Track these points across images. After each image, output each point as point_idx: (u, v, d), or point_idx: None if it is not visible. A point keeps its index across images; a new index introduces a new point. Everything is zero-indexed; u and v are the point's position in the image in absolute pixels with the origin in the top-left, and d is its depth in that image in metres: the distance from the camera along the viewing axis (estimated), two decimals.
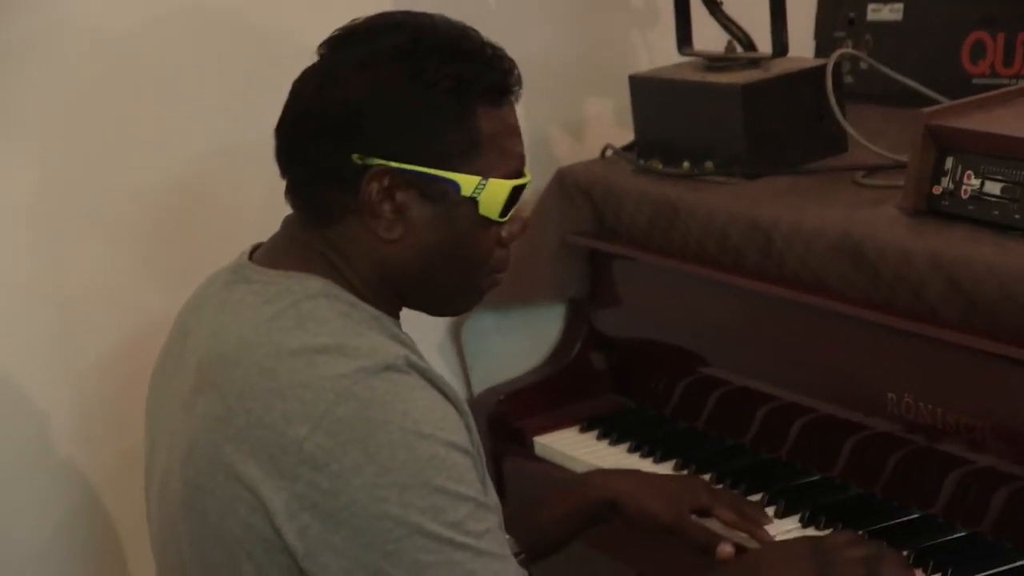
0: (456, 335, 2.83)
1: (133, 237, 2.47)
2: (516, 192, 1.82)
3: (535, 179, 2.81)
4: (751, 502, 2.24)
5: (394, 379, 1.67)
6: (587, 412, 2.67)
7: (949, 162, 2.21)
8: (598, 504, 2.16)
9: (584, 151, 2.87)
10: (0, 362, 2.38)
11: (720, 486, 2.33)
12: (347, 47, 1.79)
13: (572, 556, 2.26)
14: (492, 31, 2.79)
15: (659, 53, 2.84)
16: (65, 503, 2.45)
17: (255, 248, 1.87)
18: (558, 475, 2.54)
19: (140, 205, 2.47)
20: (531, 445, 2.65)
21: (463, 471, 1.67)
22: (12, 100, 2.36)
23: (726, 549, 2.11)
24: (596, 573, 2.90)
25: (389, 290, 1.81)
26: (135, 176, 2.46)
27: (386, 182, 1.75)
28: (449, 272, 1.82)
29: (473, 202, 1.78)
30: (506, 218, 1.82)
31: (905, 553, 2.07)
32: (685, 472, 2.41)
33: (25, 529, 2.41)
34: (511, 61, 1.83)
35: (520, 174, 1.83)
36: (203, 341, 1.78)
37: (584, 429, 2.62)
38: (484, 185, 1.78)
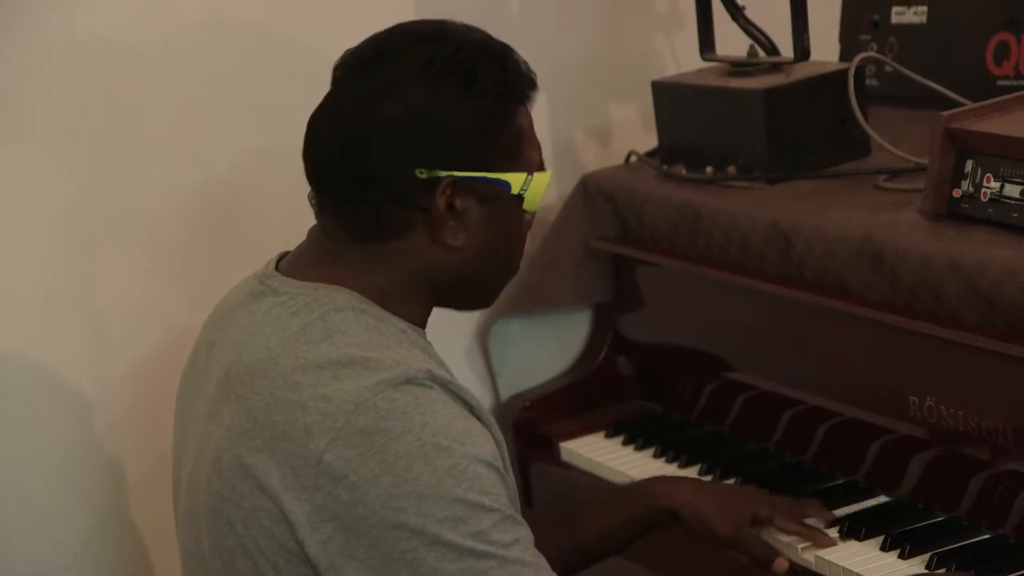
0: (482, 341, 2.84)
1: (164, 247, 2.50)
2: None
3: (561, 185, 2.85)
4: (810, 503, 2.24)
5: (415, 392, 1.69)
6: (613, 417, 2.68)
7: (969, 165, 2.21)
8: (656, 512, 2.17)
9: (610, 157, 2.88)
10: (36, 370, 2.42)
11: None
12: (387, 62, 1.79)
13: (600, 565, 2.27)
14: (516, 37, 2.80)
15: (685, 58, 2.85)
16: (99, 509, 2.48)
17: (281, 257, 1.88)
18: (584, 480, 2.56)
19: (171, 215, 2.50)
20: (557, 451, 2.66)
21: (486, 483, 1.68)
22: (45, 114, 2.39)
23: (783, 564, 2.13)
24: None
25: (427, 295, 1.83)
26: (166, 187, 2.49)
27: (449, 192, 1.78)
28: (498, 268, 1.88)
29: (519, 199, 1.83)
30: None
31: (929, 555, 2.08)
32: (711, 477, 2.42)
33: (62, 532, 2.44)
34: (527, 62, 1.88)
35: (544, 165, 1.89)
36: (230, 351, 1.80)
37: (610, 434, 2.63)
38: (530, 180, 1.83)
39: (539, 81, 2.81)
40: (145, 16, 2.45)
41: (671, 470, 2.47)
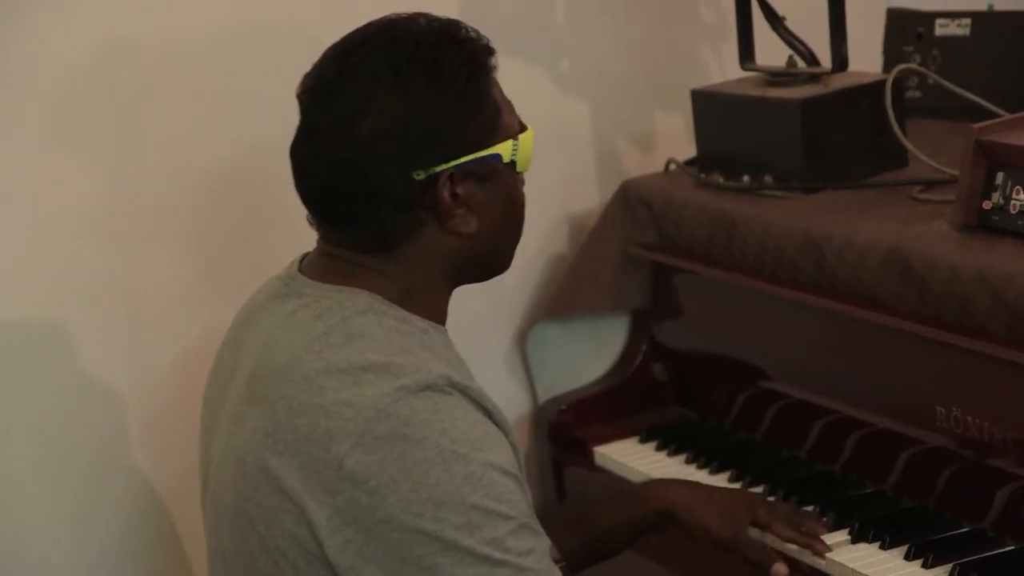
0: (521, 345, 2.87)
1: (202, 245, 2.54)
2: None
3: (603, 192, 2.88)
4: (808, 513, 2.26)
5: (435, 399, 1.71)
6: (647, 423, 2.70)
7: (999, 177, 2.22)
8: (655, 514, 2.19)
9: (654, 164, 2.90)
10: (74, 368, 2.46)
11: (773, 497, 2.35)
12: (352, 77, 1.79)
13: (622, 563, 2.28)
14: (562, 46, 2.87)
15: (731, 67, 2.86)
16: (135, 506, 2.52)
17: (303, 257, 1.91)
18: (618, 485, 2.58)
19: (208, 213, 2.54)
20: (592, 455, 2.68)
21: (503, 491, 1.70)
22: (81, 115, 2.43)
23: (781, 569, 2.14)
24: None
25: (449, 282, 1.87)
26: (204, 185, 2.53)
27: (449, 183, 1.80)
28: (509, 237, 1.91)
29: (512, 164, 1.86)
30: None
31: (952, 565, 2.09)
32: (740, 483, 2.44)
33: (97, 529, 2.49)
34: (477, 31, 1.88)
35: (523, 123, 1.90)
36: (255, 353, 1.83)
37: (643, 440, 2.66)
38: (517, 144, 1.86)
39: (584, 88, 2.90)
40: (173, 18, 2.49)
41: (702, 476, 2.49)
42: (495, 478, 1.69)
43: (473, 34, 1.86)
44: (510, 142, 1.85)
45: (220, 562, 1.84)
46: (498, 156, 1.84)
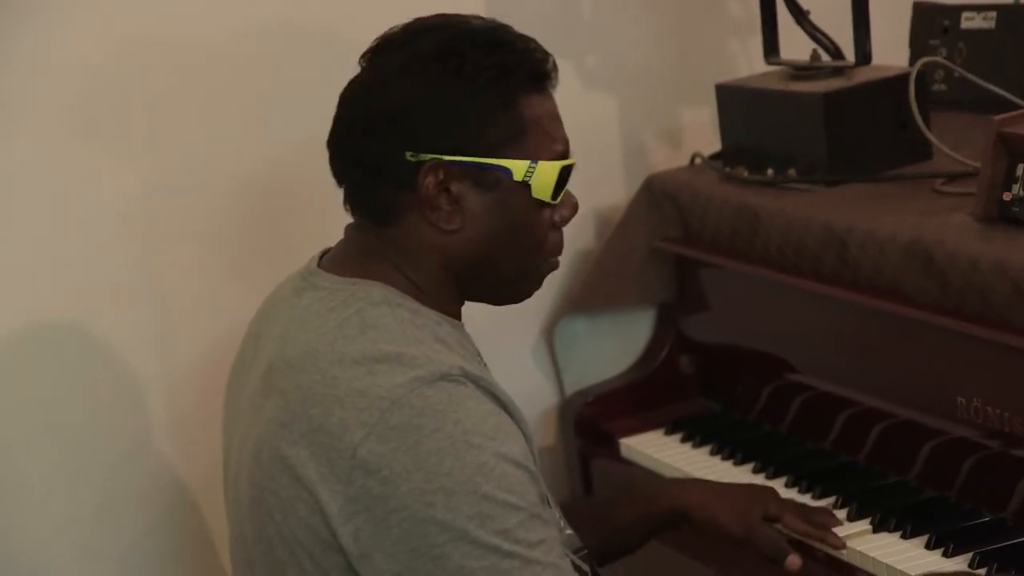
0: (548, 339, 2.89)
1: (229, 240, 2.57)
2: (565, 173, 1.87)
3: (630, 186, 2.89)
4: (821, 509, 2.27)
5: (448, 389, 1.72)
6: (673, 415, 2.71)
7: (1020, 169, 2.22)
8: (668, 513, 2.20)
9: (681, 158, 2.91)
10: (103, 361, 2.49)
11: (796, 488, 2.36)
12: (388, 53, 1.86)
13: (652, 557, 2.30)
14: (588, 41, 2.88)
15: (758, 61, 2.87)
16: (163, 498, 2.55)
17: (324, 253, 1.94)
18: (643, 476, 2.60)
19: (236, 209, 2.57)
20: (617, 447, 2.70)
21: (514, 482, 1.71)
22: (112, 112, 2.46)
23: (795, 561, 2.15)
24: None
25: (451, 283, 1.87)
26: (231, 181, 2.56)
27: (441, 175, 1.81)
28: (508, 258, 1.88)
29: (526, 186, 1.85)
30: (558, 200, 1.88)
31: (972, 554, 2.10)
32: (764, 475, 2.45)
33: (126, 520, 2.52)
34: (545, 51, 1.89)
35: (566, 156, 1.88)
36: (272, 346, 1.86)
37: (669, 432, 2.67)
38: (534, 168, 1.84)
39: (610, 83, 2.91)
40: (210, 16, 2.52)
41: (726, 467, 2.51)
42: (507, 469, 1.70)
43: (531, 53, 1.86)
44: (526, 163, 1.83)
45: (240, 551, 1.87)
46: (507, 171, 1.83)
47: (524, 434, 1.79)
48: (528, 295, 1.96)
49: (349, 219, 2.00)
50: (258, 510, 1.80)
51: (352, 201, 1.89)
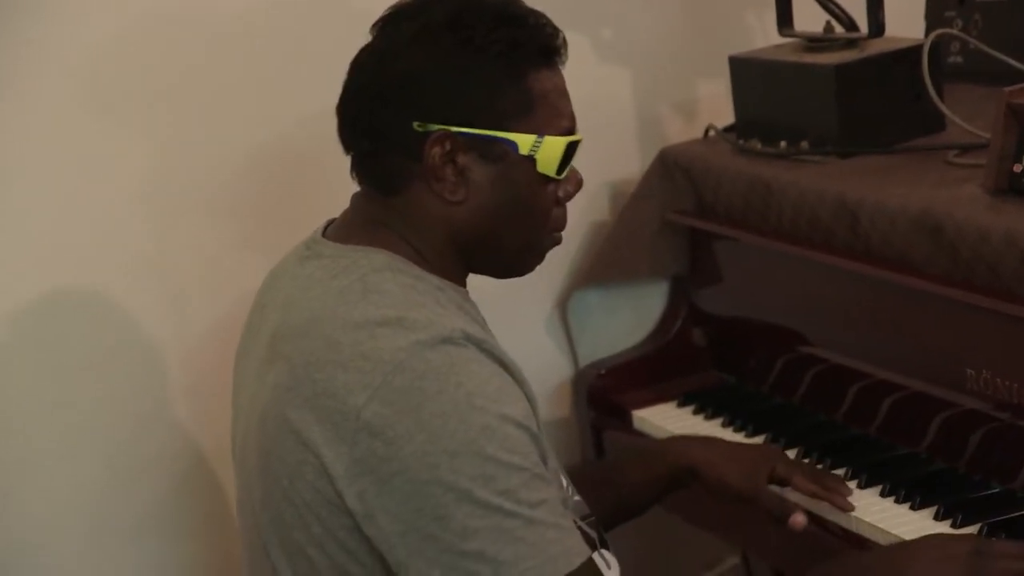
0: (562, 311, 2.89)
1: (242, 211, 2.58)
2: (571, 149, 1.89)
3: (646, 158, 2.89)
4: (830, 474, 2.28)
5: (450, 352, 1.73)
6: (686, 387, 2.72)
7: None
8: (677, 471, 2.22)
9: (695, 131, 2.91)
10: (117, 333, 2.51)
11: (807, 460, 2.37)
12: (399, 23, 1.87)
13: (676, 532, 2.30)
14: (603, 12, 2.88)
15: (773, 33, 2.86)
16: (176, 468, 2.57)
17: (329, 223, 1.95)
18: (650, 442, 2.60)
19: (248, 181, 2.58)
20: (630, 419, 2.71)
21: (516, 442, 1.72)
22: (125, 87, 2.47)
23: (799, 519, 2.16)
24: (702, 551, 2.96)
25: (455, 254, 1.88)
26: (243, 153, 2.57)
27: (447, 146, 1.83)
28: (512, 231, 1.89)
29: (531, 160, 1.86)
30: (563, 176, 1.89)
31: (981, 525, 2.11)
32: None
33: (142, 489, 2.54)
34: (555, 27, 1.90)
35: (572, 132, 1.89)
36: (277, 314, 1.87)
37: (681, 404, 2.68)
38: (540, 143, 1.85)
39: (625, 56, 2.90)
40: None
41: (738, 439, 2.51)
42: (509, 430, 1.72)
43: (542, 28, 1.87)
44: (532, 137, 1.84)
45: (248, 517, 1.88)
46: (513, 144, 1.84)
47: (527, 396, 1.80)
48: (530, 269, 1.97)
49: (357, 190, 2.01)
50: (265, 475, 1.81)
51: (359, 169, 1.90)
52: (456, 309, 1.84)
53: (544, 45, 1.87)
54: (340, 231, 1.91)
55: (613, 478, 2.21)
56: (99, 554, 2.52)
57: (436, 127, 1.82)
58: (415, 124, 1.83)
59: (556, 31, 1.89)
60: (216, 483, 2.59)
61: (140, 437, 2.53)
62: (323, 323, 1.79)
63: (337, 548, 1.76)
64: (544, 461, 1.78)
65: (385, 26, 1.89)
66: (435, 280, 1.85)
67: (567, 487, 1.95)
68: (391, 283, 1.81)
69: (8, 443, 2.44)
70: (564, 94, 1.90)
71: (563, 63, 1.90)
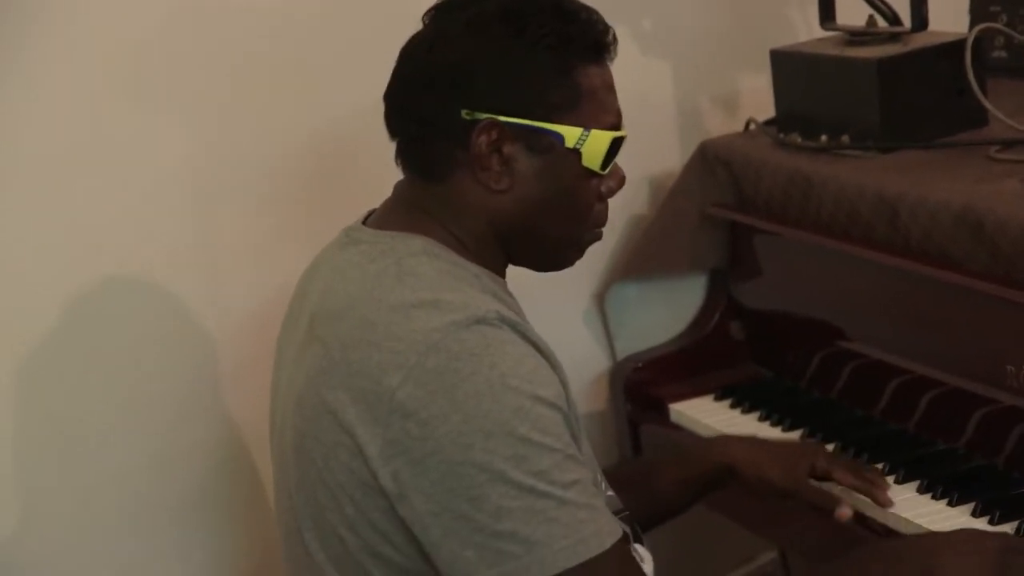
0: (600, 304, 2.89)
1: (283, 198, 2.59)
2: (616, 144, 1.89)
3: (684, 152, 2.89)
4: (870, 467, 2.27)
5: (485, 332, 1.74)
6: (724, 381, 2.72)
7: None
8: (717, 470, 2.22)
9: (736, 124, 2.90)
10: (160, 318, 2.52)
11: (844, 455, 2.36)
12: (452, 11, 1.88)
13: (710, 527, 2.30)
14: (644, 5, 2.87)
15: (816, 27, 2.85)
16: (217, 453, 2.58)
17: (370, 213, 1.96)
18: (692, 442, 2.59)
19: (288, 168, 2.58)
20: (667, 412, 2.70)
21: (549, 423, 1.72)
22: (166, 72, 2.48)
23: (846, 511, 2.16)
24: (737, 546, 2.95)
25: (495, 243, 1.89)
26: (284, 140, 2.57)
27: (494, 135, 1.83)
28: (553, 224, 1.90)
29: (576, 154, 1.86)
30: (607, 171, 1.90)
31: (1018, 523, 2.09)
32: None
33: (183, 472, 2.55)
34: (607, 24, 1.90)
35: (618, 128, 1.90)
36: (315, 299, 1.88)
37: (718, 398, 2.68)
38: (586, 137, 1.85)
39: (667, 48, 2.90)
40: None
41: (775, 434, 2.50)
42: (542, 411, 1.72)
43: (594, 25, 1.88)
44: (579, 130, 1.85)
45: (285, 499, 1.89)
46: (559, 136, 1.85)
47: (560, 379, 1.80)
48: (570, 263, 1.97)
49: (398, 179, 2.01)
50: (301, 457, 1.82)
51: (404, 155, 1.91)
52: (491, 296, 1.84)
53: (595, 41, 1.88)
54: (380, 218, 1.92)
55: (650, 478, 2.21)
56: (140, 539, 2.53)
57: (484, 116, 1.83)
58: (463, 112, 1.83)
59: (607, 28, 1.90)
60: (256, 470, 2.60)
61: (181, 424, 2.54)
62: (359, 306, 1.80)
63: (370, 529, 1.77)
64: (576, 443, 1.78)
65: (437, 14, 1.89)
66: (473, 267, 1.85)
67: (600, 479, 1.94)
68: (427, 267, 1.81)
69: (51, 430, 2.45)
70: (612, 90, 1.90)
71: (612, 60, 1.91)
